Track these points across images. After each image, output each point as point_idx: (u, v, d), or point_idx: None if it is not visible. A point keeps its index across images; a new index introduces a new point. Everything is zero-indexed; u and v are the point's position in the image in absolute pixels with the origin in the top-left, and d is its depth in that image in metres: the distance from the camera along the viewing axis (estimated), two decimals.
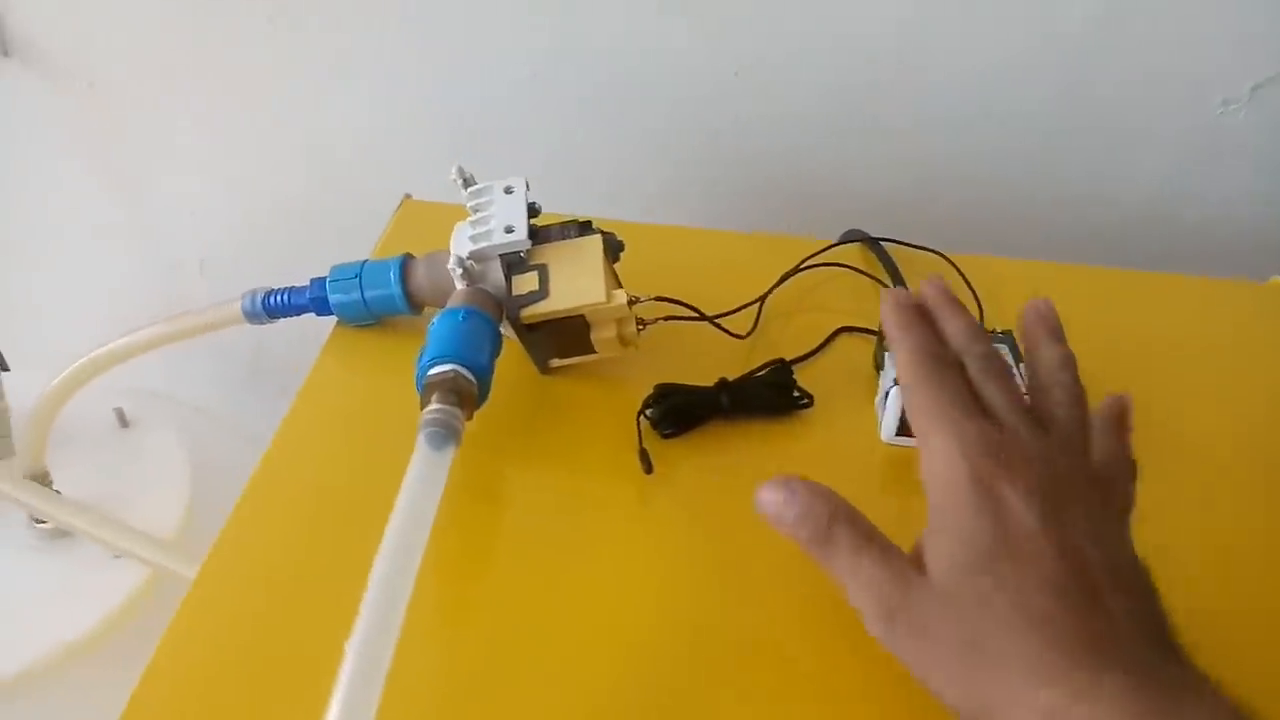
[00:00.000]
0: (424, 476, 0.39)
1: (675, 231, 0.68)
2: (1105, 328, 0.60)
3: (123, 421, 0.73)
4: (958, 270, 0.62)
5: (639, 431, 0.49)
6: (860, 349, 0.57)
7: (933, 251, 0.64)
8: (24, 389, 0.69)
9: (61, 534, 0.65)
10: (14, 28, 0.86)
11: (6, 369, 0.90)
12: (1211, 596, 0.44)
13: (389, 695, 0.33)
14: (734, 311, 0.56)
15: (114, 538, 0.59)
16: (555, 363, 0.52)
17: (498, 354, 0.47)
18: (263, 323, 0.55)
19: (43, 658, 0.60)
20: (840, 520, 0.36)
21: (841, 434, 0.52)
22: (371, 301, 0.53)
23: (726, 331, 0.55)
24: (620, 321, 0.50)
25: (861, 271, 0.63)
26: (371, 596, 0.34)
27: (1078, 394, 0.39)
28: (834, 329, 0.58)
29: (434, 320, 0.47)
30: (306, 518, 0.45)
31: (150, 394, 0.77)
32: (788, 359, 0.54)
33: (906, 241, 0.65)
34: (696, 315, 0.54)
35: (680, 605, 0.43)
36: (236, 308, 0.54)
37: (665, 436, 0.50)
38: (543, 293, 0.49)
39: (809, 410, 0.52)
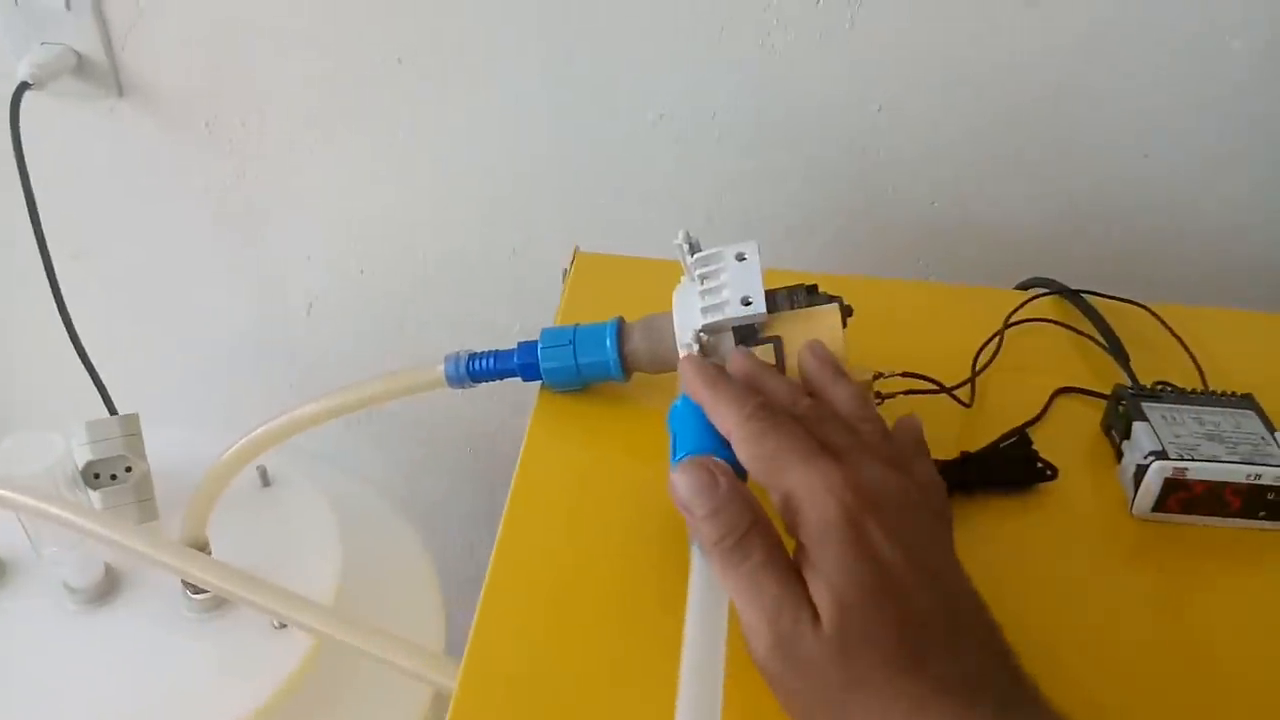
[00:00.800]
0: (708, 587, 0.37)
1: (848, 282, 0.65)
2: None
3: (265, 480, 0.70)
4: (1165, 325, 0.59)
5: None
6: (1081, 412, 0.55)
7: (1131, 303, 0.61)
8: (164, 449, 0.66)
9: (220, 602, 0.62)
10: (129, 66, 0.84)
11: (115, 412, 0.87)
12: None
13: None
14: (967, 382, 0.53)
15: (276, 605, 0.56)
16: None
17: None
18: (465, 387, 0.52)
19: None
20: (758, 531, 0.35)
21: (1086, 507, 0.49)
22: (585, 368, 0.50)
23: (960, 401, 0.52)
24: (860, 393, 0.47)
25: (1079, 331, 0.60)
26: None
27: (882, 426, 0.41)
28: (1051, 391, 0.55)
29: (675, 410, 0.44)
30: (553, 611, 0.42)
31: (282, 447, 0.75)
32: (1014, 427, 0.52)
33: (1105, 293, 0.62)
34: (937, 388, 0.51)
35: None
36: (439, 371, 0.52)
37: None
38: (779, 368, 0.46)
39: (1051, 482, 0.49)
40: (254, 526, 0.65)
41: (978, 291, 0.65)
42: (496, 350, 0.52)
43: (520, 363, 0.51)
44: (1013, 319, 0.59)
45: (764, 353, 0.47)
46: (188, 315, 0.99)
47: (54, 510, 0.55)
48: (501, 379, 0.52)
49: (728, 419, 0.39)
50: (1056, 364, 0.58)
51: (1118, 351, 0.57)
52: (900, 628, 0.33)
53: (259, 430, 0.55)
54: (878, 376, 0.47)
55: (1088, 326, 0.60)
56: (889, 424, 0.42)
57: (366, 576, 0.68)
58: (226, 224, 0.92)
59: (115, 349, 0.90)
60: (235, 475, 0.57)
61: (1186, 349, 0.58)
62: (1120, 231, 0.82)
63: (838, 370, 0.43)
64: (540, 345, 0.51)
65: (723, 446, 0.40)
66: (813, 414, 0.40)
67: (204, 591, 0.61)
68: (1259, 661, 0.42)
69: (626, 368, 0.50)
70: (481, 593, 0.42)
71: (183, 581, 0.62)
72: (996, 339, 0.57)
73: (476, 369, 0.51)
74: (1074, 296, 0.62)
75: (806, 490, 0.35)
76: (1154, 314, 0.60)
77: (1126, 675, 0.41)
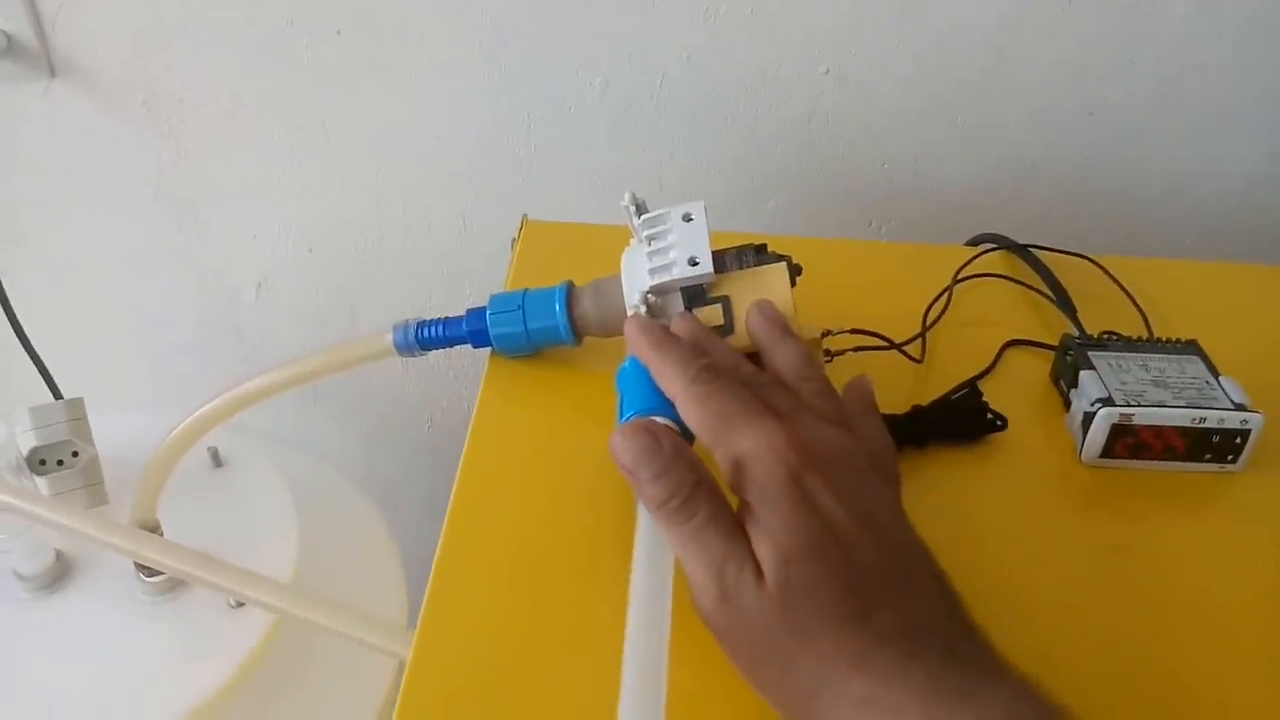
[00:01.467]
0: (654, 549, 0.36)
1: (800, 243, 0.65)
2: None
3: (217, 461, 0.69)
4: (1111, 277, 0.60)
5: None
6: (1030, 363, 0.55)
7: (1078, 255, 0.62)
8: (112, 434, 0.65)
9: (174, 585, 0.61)
10: (60, 47, 0.82)
11: (60, 398, 0.86)
12: None
13: None
14: (917, 337, 0.54)
15: (232, 583, 0.56)
16: None
17: None
18: (414, 355, 0.51)
19: None
20: (703, 491, 0.36)
21: (1036, 456, 0.50)
22: (534, 333, 0.50)
23: (910, 357, 0.53)
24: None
25: (1027, 285, 0.60)
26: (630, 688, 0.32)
27: (827, 385, 0.41)
28: (1001, 344, 0.56)
29: (623, 370, 0.44)
30: (508, 575, 0.42)
31: (235, 427, 0.74)
32: (965, 380, 0.52)
33: (1052, 247, 0.63)
34: (887, 344, 0.51)
35: None
36: (387, 340, 0.51)
37: None
38: (729, 328, 0.46)
39: (1001, 433, 0.50)
40: (207, 508, 0.65)
41: (927, 249, 0.66)
42: (446, 317, 0.51)
43: (469, 329, 0.51)
44: (962, 275, 0.59)
45: (712, 313, 0.46)
46: (133, 299, 0.97)
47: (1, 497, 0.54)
48: (451, 346, 0.51)
49: (673, 381, 0.39)
50: (1005, 318, 0.58)
51: (1065, 303, 0.58)
52: (844, 580, 0.33)
53: (205, 407, 0.54)
54: (826, 334, 0.47)
55: (1036, 280, 0.60)
56: (839, 384, 0.42)
57: (325, 554, 0.68)
58: (169, 205, 0.90)
59: (59, 335, 0.88)
60: (183, 455, 0.56)
61: (1131, 299, 0.58)
62: (1068, 187, 0.83)
63: (785, 329, 0.44)
64: (489, 311, 0.50)
65: (669, 406, 0.40)
66: (756, 378, 0.40)
67: (157, 574, 0.61)
68: (1209, 602, 0.43)
69: (577, 331, 0.50)
70: (435, 558, 0.41)
71: (136, 565, 0.61)
72: (946, 295, 0.57)
73: (425, 336, 0.51)
74: (1022, 251, 0.62)
75: (751, 448, 0.36)
76: (1099, 266, 0.61)
77: (1078, 620, 0.42)
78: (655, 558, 0.36)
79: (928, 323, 0.55)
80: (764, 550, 0.34)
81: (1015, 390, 0.53)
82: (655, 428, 0.37)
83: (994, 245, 0.63)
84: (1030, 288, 0.60)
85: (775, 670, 0.34)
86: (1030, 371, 0.55)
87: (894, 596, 0.34)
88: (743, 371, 0.41)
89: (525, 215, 0.64)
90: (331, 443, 1.07)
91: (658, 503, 0.36)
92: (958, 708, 0.31)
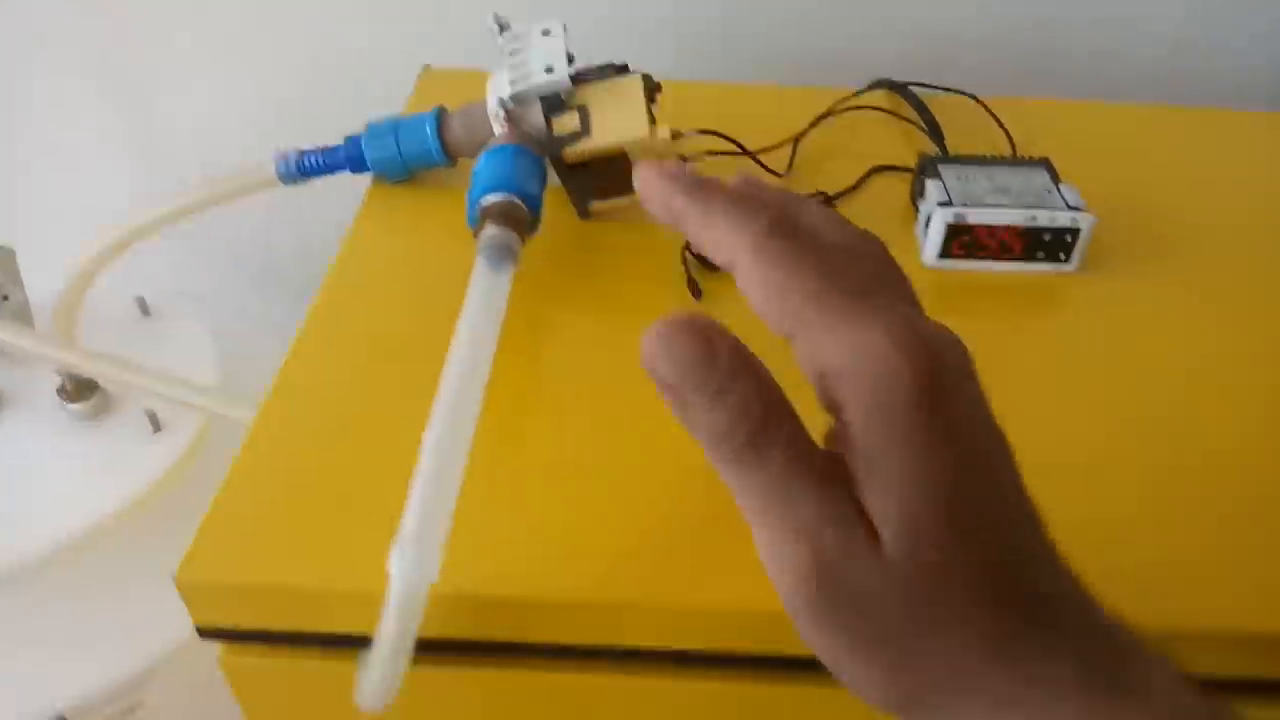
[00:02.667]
0: (486, 295, 0.39)
1: (703, 87, 0.67)
2: (1134, 163, 0.61)
3: (144, 310, 0.72)
4: (988, 110, 0.62)
5: (685, 264, 0.49)
6: (896, 187, 0.57)
7: (960, 93, 0.63)
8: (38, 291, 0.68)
9: (96, 412, 0.65)
10: None
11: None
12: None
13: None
14: (773, 148, 0.56)
15: (152, 384, 0.59)
16: (596, 206, 0.52)
17: (544, 187, 0.47)
18: (296, 183, 0.54)
19: (83, 531, 0.61)
20: (776, 419, 0.24)
21: None
22: (408, 155, 0.52)
23: (766, 168, 0.55)
24: (662, 158, 0.49)
25: (892, 113, 0.62)
26: (445, 397, 0.35)
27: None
28: (869, 169, 0.58)
29: (480, 158, 0.46)
30: (363, 357, 0.45)
31: (169, 290, 0.77)
32: (820, 191, 0.54)
33: (934, 84, 0.64)
34: (738, 150, 0.54)
35: None
36: (270, 171, 0.53)
37: (712, 268, 0.50)
38: (585, 131, 0.48)
39: None
40: (132, 349, 0.67)
41: (818, 92, 0.67)
42: (325, 146, 0.54)
43: (347, 155, 0.53)
44: (840, 107, 0.61)
45: (569, 119, 0.49)
46: (79, 188, 0.99)
47: None
48: (332, 173, 0.54)
49: (734, 233, 0.26)
50: (880, 150, 0.60)
51: (935, 133, 0.60)
52: (995, 546, 0.24)
53: (109, 235, 0.57)
54: (677, 136, 0.49)
55: (915, 116, 0.62)
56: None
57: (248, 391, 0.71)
58: (111, 91, 0.91)
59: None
60: (92, 281, 0.59)
61: (1001, 125, 0.60)
62: (950, 27, 0.82)
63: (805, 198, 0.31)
64: (364, 137, 0.53)
65: (518, 182, 0.42)
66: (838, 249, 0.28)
67: (80, 401, 0.64)
68: (1046, 398, 0.45)
69: (450, 153, 0.53)
70: (290, 345, 0.44)
71: (59, 393, 0.64)
72: (820, 121, 0.59)
73: (306, 165, 0.53)
74: (903, 90, 0.64)
75: (862, 346, 0.24)
76: (979, 101, 0.63)
77: None
78: (481, 317, 0.38)
79: (798, 142, 0.57)
80: (884, 506, 0.24)
81: (875, 209, 0.55)
82: (706, 327, 0.25)
83: (880, 85, 0.65)
84: (906, 120, 0.62)
85: (885, 661, 0.25)
86: (894, 194, 0.57)
87: (1041, 563, 0.25)
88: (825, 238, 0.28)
89: (428, 65, 0.66)
90: (257, 308, 1.08)
91: (717, 437, 0.24)
92: (1119, 703, 0.24)
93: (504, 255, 0.40)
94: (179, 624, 0.62)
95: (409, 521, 0.33)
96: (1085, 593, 0.26)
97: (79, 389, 0.65)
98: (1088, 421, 0.43)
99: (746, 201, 0.27)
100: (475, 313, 0.38)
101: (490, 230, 0.41)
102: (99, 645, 0.64)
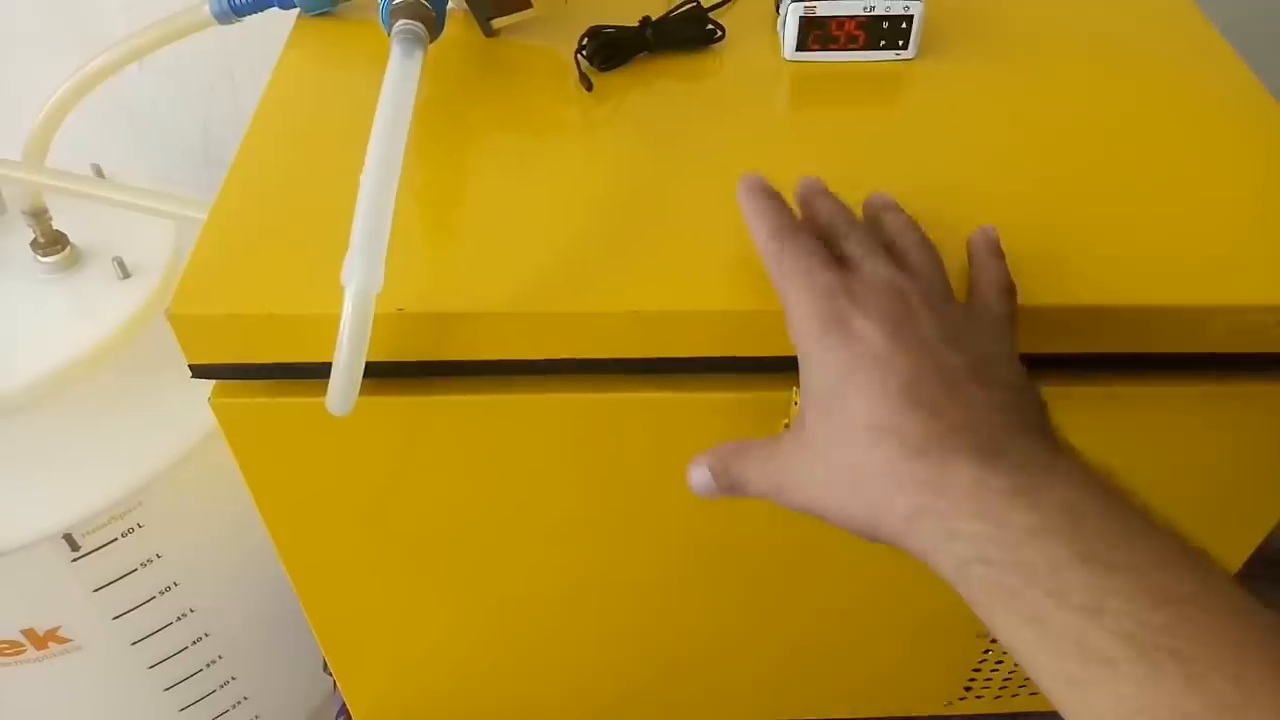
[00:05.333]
0: (401, 72, 0.46)
1: None
2: None
3: (99, 175, 0.78)
4: None
5: (578, 64, 0.57)
6: (766, 2, 0.65)
7: None
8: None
9: (69, 264, 0.71)
10: None
11: None
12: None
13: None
14: None
15: (126, 197, 0.66)
16: (498, 23, 0.59)
17: None
18: (229, 21, 0.60)
19: (63, 367, 0.68)
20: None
21: (751, 58, 0.60)
22: None
23: None
24: None
25: None
26: (375, 143, 0.43)
27: (921, 237, 0.42)
28: None
29: None
30: (309, 140, 0.53)
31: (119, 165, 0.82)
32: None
33: None
34: None
35: (627, 182, 0.51)
36: (204, 10, 0.60)
37: (601, 69, 0.58)
38: None
39: (722, 42, 0.60)
40: (91, 211, 0.74)
41: None
42: None
43: None
44: None
45: None
46: (4, 78, 1.03)
47: None
48: (261, 10, 0.60)
49: (757, 238, 0.41)
50: None
51: None
52: (868, 407, 0.36)
53: (60, 89, 0.63)
54: None
55: None
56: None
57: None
58: None
59: None
60: (52, 135, 0.65)
61: None
62: None
63: (889, 206, 0.45)
64: None
65: None
66: (838, 222, 0.42)
67: (52, 253, 0.71)
68: (896, 159, 0.53)
69: None
70: (238, 146, 0.52)
71: (32, 246, 0.71)
72: None
73: (237, 2, 0.60)
74: None
75: (797, 304, 0.38)
76: None
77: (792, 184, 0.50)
78: (399, 88, 0.45)
79: None
80: (805, 398, 0.38)
81: (745, 17, 0.63)
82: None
83: None
84: None
85: (837, 496, 0.37)
86: (763, 6, 0.64)
87: (927, 408, 0.35)
88: (827, 209, 0.43)
89: None
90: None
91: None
92: (1016, 505, 0.32)
93: (414, 41, 0.48)
94: (166, 447, 0.71)
95: (354, 239, 0.41)
96: (1014, 425, 0.35)
97: (50, 242, 0.71)
98: (931, 173, 0.52)
99: (765, 201, 0.42)
100: (394, 83, 0.45)
101: (400, 23, 0.49)
102: (94, 470, 0.71)
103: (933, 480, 0.34)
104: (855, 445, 0.35)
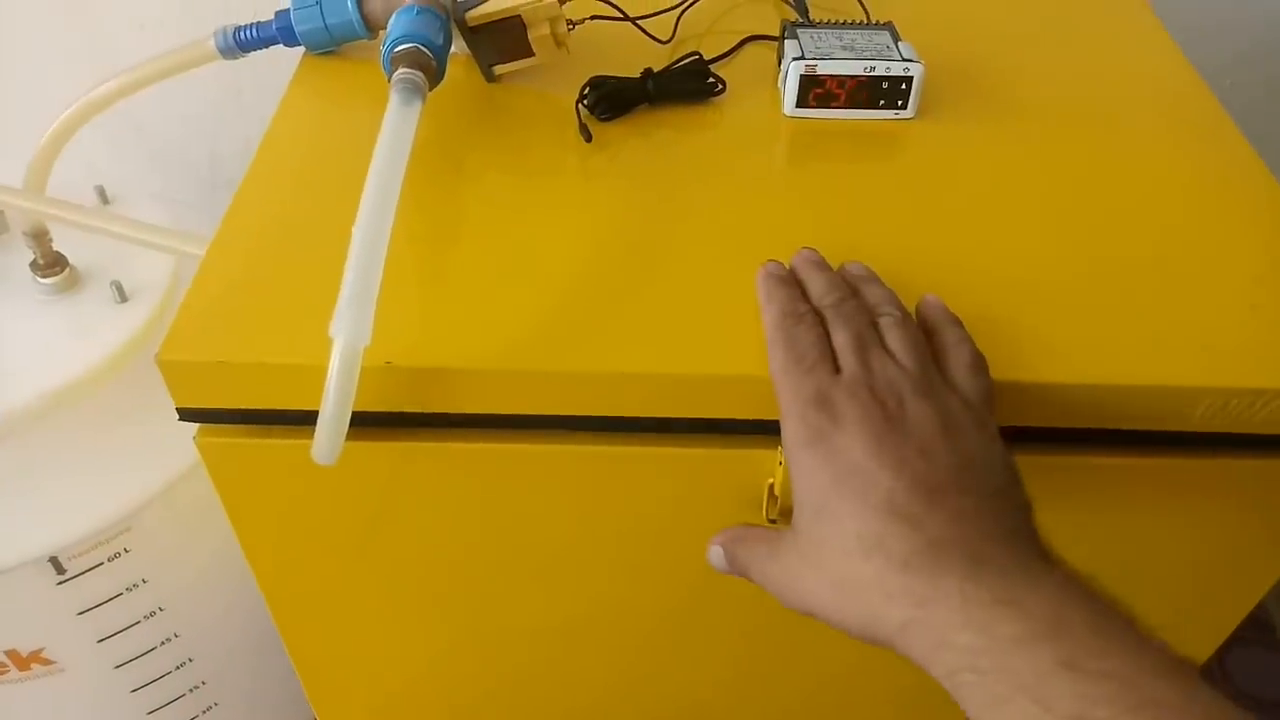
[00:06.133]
0: (398, 121, 0.47)
1: None
2: (967, 33, 0.69)
3: (104, 199, 0.79)
4: None
5: (579, 114, 0.57)
6: (767, 55, 0.65)
7: None
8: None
9: (68, 285, 0.72)
10: None
11: None
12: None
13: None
14: (654, 15, 0.64)
15: (124, 230, 0.66)
16: (500, 69, 0.60)
17: (449, 45, 0.55)
18: (235, 57, 0.61)
19: (58, 389, 0.68)
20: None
21: (751, 112, 0.61)
22: (332, 27, 0.60)
23: (649, 35, 0.63)
24: (553, 21, 0.57)
25: None
26: (368, 195, 0.43)
27: (901, 315, 0.43)
28: (742, 38, 0.66)
29: (392, 18, 0.54)
30: (306, 183, 0.53)
31: (125, 192, 0.83)
32: (694, 51, 0.62)
33: None
34: (620, 15, 0.62)
35: (622, 236, 0.51)
36: (210, 45, 0.60)
37: (602, 119, 0.58)
38: None
39: (722, 96, 0.61)
40: (92, 236, 0.74)
41: None
42: (258, 21, 0.61)
43: (278, 28, 0.60)
44: None
45: None
46: (17, 94, 1.04)
47: None
48: (266, 46, 0.61)
49: (765, 324, 0.44)
50: (755, 24, 0.68)
51: (800, 7, 0.68)
52: (854, 522, 0.37)
53: (65, 114, 0.64)
54: (564, 0, 0.57)
55: None
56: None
57: None
58: None
59: None
60: (55, 159, 0.65)
61: (861, 3, 0.68)
62: None
63: (869, 278, 0.47)
64: (292, 9, 0.60)
65: (424, 35, 0.51)
66: (832, 313, 0.43)
67: (52, 275, 0.71)
68: (890, 219, 0.53)
69: (370, 25, 0.60)
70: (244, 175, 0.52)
71: (32, 268, 0.71)
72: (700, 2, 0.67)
73: (243, 38, 0.60)
74: None
75: (784, 413, 0.40)
76: None
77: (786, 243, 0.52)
78: (398, 133, 0.46)
79: (681, 10, 0.66)
80: (795, 510, 0.39)
81: (746, 71, 0.63)
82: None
83: None
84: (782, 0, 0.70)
85: (828, 604, 0.38)
86: (764, 61, 0.65)
87: (911, 522, 0.36)
88: (825, 301, 0.44)
89: None
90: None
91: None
92: (1001, 616, 0.33)
93: (413, 91, 0.48)
94: (156, 473, 0.71)
95: (343, 292, 0.41)
96: (998, 533, 0.36)
97: (50, 264, 0.72)
98: (926, 236, 0.53)
99: (775, 288, 0.45)
100: (390, 133, 0.46)
101: (400, 72, 0.49)
102: (83, 494, 0.72)
103: (920, 593, 0.35)
104: (847, 556, 0.36)
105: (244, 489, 0.50)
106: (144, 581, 0.75)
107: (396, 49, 0.51)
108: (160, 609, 0.78)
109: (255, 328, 0.45)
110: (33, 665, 0.76)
